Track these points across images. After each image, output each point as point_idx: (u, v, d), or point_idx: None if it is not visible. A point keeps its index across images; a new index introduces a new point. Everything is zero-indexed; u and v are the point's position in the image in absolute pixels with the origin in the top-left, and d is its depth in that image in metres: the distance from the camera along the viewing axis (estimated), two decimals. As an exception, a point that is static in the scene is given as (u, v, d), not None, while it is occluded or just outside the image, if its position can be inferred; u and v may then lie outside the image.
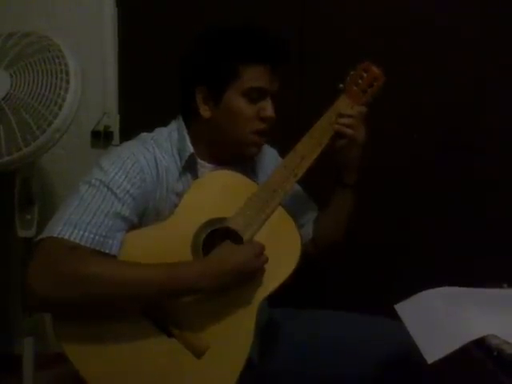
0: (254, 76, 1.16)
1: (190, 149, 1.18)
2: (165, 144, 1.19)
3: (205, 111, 1.19)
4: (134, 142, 1.19)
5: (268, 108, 1.18)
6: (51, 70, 1.49)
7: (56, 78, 1.48)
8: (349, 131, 1.21)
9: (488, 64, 1.80)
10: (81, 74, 1.53)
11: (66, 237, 1.02)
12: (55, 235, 1.02)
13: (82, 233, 1.03)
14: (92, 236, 1.03)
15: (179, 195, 1.17)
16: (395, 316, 0.98)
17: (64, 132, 1.51)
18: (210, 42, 1.19)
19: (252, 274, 1.09)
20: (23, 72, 1.50)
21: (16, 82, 1.49)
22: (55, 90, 1.48)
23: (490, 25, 1.78)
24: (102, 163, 1.12)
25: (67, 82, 1.49)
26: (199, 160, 1.20)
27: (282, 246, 1.13)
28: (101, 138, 1.89)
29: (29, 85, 1.48)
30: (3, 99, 1.49)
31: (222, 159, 1.22)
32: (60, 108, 1.47)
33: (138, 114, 1.87)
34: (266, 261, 1.09)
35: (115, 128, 1.90)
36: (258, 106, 1.18)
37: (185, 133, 1.20)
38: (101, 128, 1.89)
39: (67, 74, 1.49)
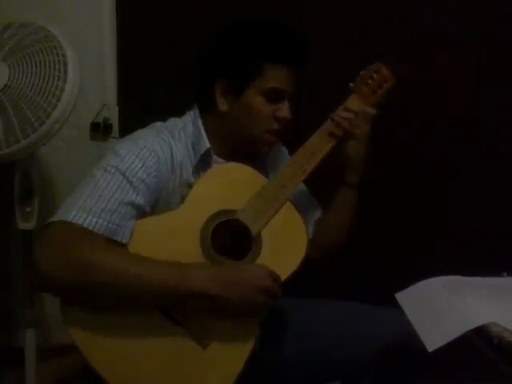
0: (277, 76, 1.16)
1: (207, 144, 1.19)
2: (179, 136, 1.19)
3: (222, 104, 1.18)
4: (149, 130, 1.19)
5: (285, 109, 1.19)
6: (49, 60, 1.48)
7: (54, 69, 1.48)
8: (345, 124, 1.21)
9: (488, 57, 1.79)
10: (79, 65, 1.52)
11: (80, 222, 1.02)
12: (68, 220, 1.02)
13: (95, 219, 1.03)
14: (106, 223, 1.04)
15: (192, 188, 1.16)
16: (396, 305, 0.98)
17: (63, 124, 1.50)
18: (236, 37, 1.19)
19: (259, 294, 1.07)
20: (21, 63, 1.49)
21: (14, 74, 1.49)
22: (53, 81, 1.47)
23: (491, 19, 1.77)
24: (119, 150, 1.12)
25: (65, 72, 1.48)
26: (213, 155, 1.20)
27: (288, 242, 1.14)
28: (100, 130, 1.89)
29: (27, 76, 1.48)
30: (1, 91, 1.48)
31: (234, 154, 1.21)
32: (58, 99, 1.47)
33: (137, 105, 1.87)
34: (278, 292, 1.09)
35: (114, 120, 1.90)
36: (275, 105, 1.18)
37: (201, 127, 1.20)
38: (100, 120, 1.89)
39: (65, 64, 1.49)
